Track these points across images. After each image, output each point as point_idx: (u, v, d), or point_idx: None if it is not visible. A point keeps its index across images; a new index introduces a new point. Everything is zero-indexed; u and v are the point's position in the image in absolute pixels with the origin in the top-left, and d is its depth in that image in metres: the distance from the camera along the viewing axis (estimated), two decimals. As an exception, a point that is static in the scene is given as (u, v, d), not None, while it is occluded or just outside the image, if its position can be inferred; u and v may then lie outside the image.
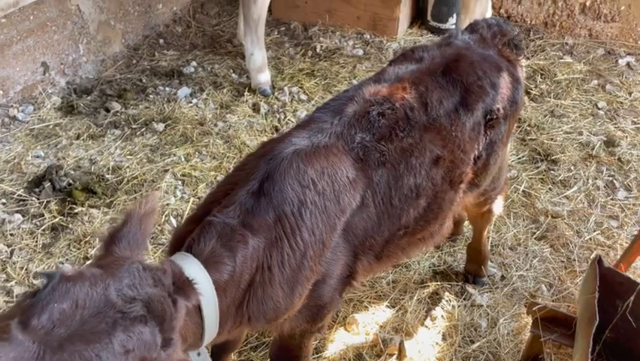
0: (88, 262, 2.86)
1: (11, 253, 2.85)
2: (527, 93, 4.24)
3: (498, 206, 2.63)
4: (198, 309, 1.45)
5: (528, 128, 3.94)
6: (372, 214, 1.81)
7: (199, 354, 1.63)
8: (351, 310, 2.77)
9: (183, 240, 1.58)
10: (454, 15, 4.66)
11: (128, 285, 1.27)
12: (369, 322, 2.74)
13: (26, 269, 2.78)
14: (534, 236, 3.22)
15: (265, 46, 4.67)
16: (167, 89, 4.16)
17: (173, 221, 3.16)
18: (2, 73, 3.71)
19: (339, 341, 2.64)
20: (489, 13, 4.17)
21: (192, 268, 1.45)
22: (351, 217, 1.76)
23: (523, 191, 3.48)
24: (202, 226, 1.57)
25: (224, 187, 1.73)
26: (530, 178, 3.57)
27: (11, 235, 2.94)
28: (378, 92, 1.93)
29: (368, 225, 1.81)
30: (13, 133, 3.62)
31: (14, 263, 2.80)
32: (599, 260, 2.19)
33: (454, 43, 2.19)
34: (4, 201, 3.13)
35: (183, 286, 1.38)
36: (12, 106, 3.77)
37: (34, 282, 2.74)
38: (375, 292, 2.89)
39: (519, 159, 3.73)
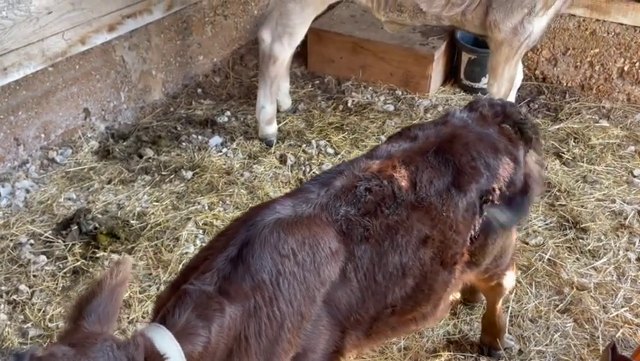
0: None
1: (32, 294, 2.96)
2: (559, 157, 4.15)
3: (509, 280, 2.55)
4: None
5: (558, 194, 3.83)
6: (355, 289, 1.79)
7: None
8: (357, 375, 2.71)
9: (164, 305, 1.60)
10: (487, 75, 4.65)
11: None
12: (375, 389, 2.67)
13: (44, 311, 2.87)
14: (557, 308, 3.09)
15: (298, 98, 4.80)
16: (199, 137, 4.30)
17: (190, 271, 3.21)
18: (46, 117, 3.93)
19: (342, 408, 2.57)
20: (520, 78, 4.14)
21: (164, 341, 1.44)
22: (332, 290, 1.74)
23: (549, 259, 3.36)
24: (178, 294, 1.58)
25: (205, 253, 1.75)
26: (557, 246, 3.45)
27: (34, 275, 3.06)
28: (369, 168, 1.94)
29: (352, 300, 1.78)
30: (49, 175, 3.80)
31: (33, 305, 2.90)
32: (612, 347, 2.07)
33: (451, 122, 2.18)
34: (32, 242, 3.27)
35: None
36: (52, 148, 3.98)
37: (50, 325, 2.82)
38: (385, 358, 2.81)
39: (546, 225, 3.62)
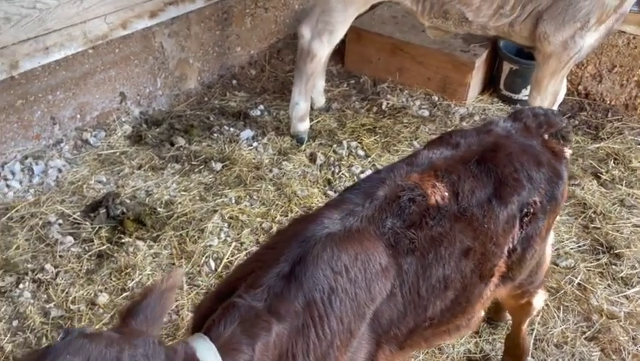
0: (125, 294, 2.95)
1: (56, 274, 2.99)
2: (597, 177, 4.02)
3: (539, 300, 2.47)
4: None
5: (593, 216, 3.71)
6: (399, 304, 1.76)
7: None
8: (373, 386, 2.66)
9: (206, 318, 1.57)
10: (529, 87, 4.53)
11: (142, 354, 1.27)
12: (390, 402, 2.62)
13: (67, 293, 2.90)
14: (584, 336, 2.99)
15: (332, 97, 4.75)
16: (231, 129, 4.29)
17: (212, 264, 3.20)
18: (82, 99, 3.97)
19: (356, 418, 2.53)
20: (563, 92, 4.01)
21: (207, 354, 1.42)
22: (379, 306, 1.71)
23: (579, 284, 3.25)
24: (226, 307, 1.55)
25: (252, 265, 1.71)
26: (588, 270, 3.34)
27: (60, 256, 3.09)
28: (410, 176, 1.90)
29: (394, 314, 1.75)
30: (82, 156, 3.84)
31: (57, 285, 2.93)
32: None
33: (494, 131, 2.13)
34: (60, 222, 3.30)
35: None
36: (86, 130, 4.02)
37: (72, 307, 2.84)
38: (403, 370, 2.76)
39: (579, 247, 3.51)
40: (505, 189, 1.95)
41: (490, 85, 4.87)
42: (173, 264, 3.17)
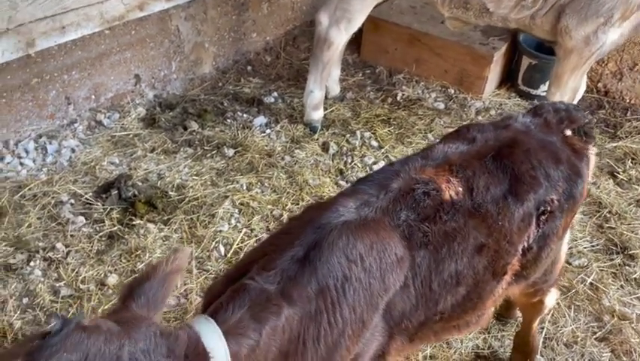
0: (134, 276, 2.95)
1: (67, 253, 3.00)
2: (613, 177, 3.95)
3: (551, 298, 2.45)
4: None
5: (608, 215, 3.65)
6: (411, 296, 1.74)
7: None
8: (379, 378, 2.65)
9: (216, 298, 1.55)
10: (547, 83, 4.46)
11: (142, 350, 1.23)
12: (396, 394, 2.61)
13: (77, 272, 2.91)
14: (594, 336, 2.96)
15: (347, 86, 4.71)
16: (244, 115, 4.27)
17: (222, 249, 3.20)
18: (97, 80, 3.96)
19: (361, 408, 2.53)
20: (582, 89, 3.94)
21: (212, 338, 1.39)
22: (393, 297, 1.69)
23: (591, 283, 3.21)
24: (236, 289, 1.53)
25: (265, 248, 1.70)
26: (601, 270, 3.30)
27: (71, 235, 3.10)
28: (424, 170, 1.87)
29: (406, 307, 1.74)
30: (95, 137, 3.84)
31: (67, 264, 2.94)
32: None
33: (513, 127, 2.08)
34: (72, 202, 3.31)
35: (197, 358, 1.32)
36: (100, 111, 4.02)
37: (82, 286, 2.85)
38: (410, 364, 2.75)
39: (592, 246, 3.46)
40: (521, 187, 1.91)
41: (508, 79, 4.79)
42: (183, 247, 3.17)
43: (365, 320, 1.62)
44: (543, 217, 1.98)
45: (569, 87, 3.59)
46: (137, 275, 1.40)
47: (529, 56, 4.51)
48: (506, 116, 2.22)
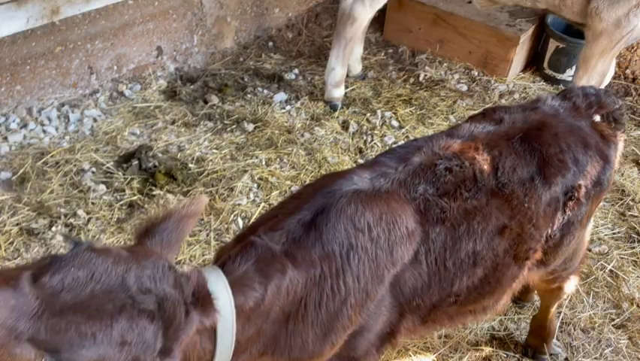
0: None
1: (88, 220, 3.03)
2: (637, 165, 3.88)
3: (570, 285, 2.41)
4: (213, 333, 1.38)
5: (631, 203, 3.60)
6: (423, 273, 1.71)
7: None
8: (394, 356, 2.66)
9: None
10: (574, 67, 4.37)
11: (149, 276, 1.23)
12: (410, 371, 2.62)
13: (97, 239, 2.94)
14: (612, 323, 2.93)
15: (369, 65, 4.66)
16: (265, 91, 4.25)
17: (240, 222, 3.21)
18: (120, 50, 3.97)
19: (374, 383, 2.54)
20: (611, 74, 3.85)
21: (217, 284, 1.39)
22: (401, 272, 1.66)
23: (611, 270, 3.18)
24: (244, 244, 1.53)
25: (275, 211, 1.70)
26: (622, 258, 3.26)
27: (92, 203, 3.13)
28: (449, 147, 1.83)
29: (418, 283, 1.70)
30: (117, 108, 3.86)
31: (88, 231, 2.97)
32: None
33: (541, 109, 2.03)
34: (94, 170, 3.34)
35: (202, 299, 1.31)
36: (122, 82, 4.03)
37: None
38: (424, 343, 2.75)
39: (613, 234, 3.41)
40: (549, 170, 1.86)
41: (534, 63, 4.71)
42: (202, 220, 3.19)
43: (369, 290, 1.59)
44: (570, 203, 1.93)
45: (597, 71, 3.51)
46: (152, 218, 1.39)
47: (557, 39, 4.42)
48: (535, 99, 2.17)
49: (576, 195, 1.91)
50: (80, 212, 3.06)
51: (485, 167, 1.79)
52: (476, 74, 4.59)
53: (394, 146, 1.97)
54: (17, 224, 2.96)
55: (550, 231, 1.91)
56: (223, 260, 1.50)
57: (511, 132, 1.91)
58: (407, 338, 1.89)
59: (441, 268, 1.71)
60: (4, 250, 2.81)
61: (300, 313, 1.53)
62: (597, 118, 2.13)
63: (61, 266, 1.16)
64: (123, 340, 1.16)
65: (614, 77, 4.40)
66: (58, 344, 1.13)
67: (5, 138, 3.44)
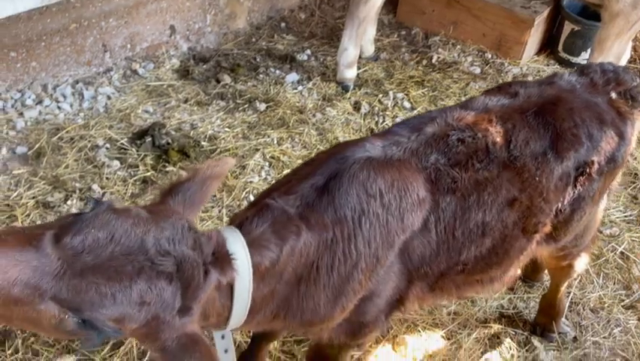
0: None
1: (102, 195, 3.07)
2: (651, 148, 3.85)
3: (581, 263, 2.41)
4: (230, 289, 1.41)
5: (643, 187, 3.58)
6: (432, 241, 1.73)
7: (223, 337, 1.61)
8: (403, 331, 2.69)
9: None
10: (589, 50, 4.33)
11: (168, 238, 1.25)
12: (419, 347, 2.64)
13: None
14: (622, 303, 2.93)
15: (381, 47, 4.64)
16: (277, 71, 4.26)
17: (252, 199, 3.24)
18: (134, 29, 3.98)
19: (384, 357, 2.57)
20: (626, 57, 3.82)
21: (236, 244, 1.42)
22: (411, 239, 1.68)
23: (622, 253, 3.17)
24: (260, 207, 1.56)
25: (289, 177, 1.72)
26: (633, 240, 3.25)
27: (107, 178, 3.17)
28: (463, 118, 1.83)
29: (426, 251, 1.72)
30: (130, 85, 3.88)
31: (103, 205, 3.01)
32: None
33: (557, 84, 2.02)
34: (108, 146, 3.37)
35: (221, 258, 1.35)
36: (135, 60, 4.05)
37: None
38: (433, 319, 2.77)
39: (625, 216, 3.40)
40: (562, 144, 1.86)
41: (548, 45, 4.67)
42: (214, 196, 3.22)
43: (380, 256, 1.62)
44: (581, 178, 1.93)
45: (613, 53, 3.48)
46: (177, 178, 1.42)
47: (572, 22, 4.37)
48: (552, 74, 2.16)
49: (588, 170, 1.90)
50: (95, 187, 3.10)
51: (498, 139, 1.80)
52: (490, 56, 4.56)
53: (410, 117, 1.98)
54: (33, 197, 3.01)
55: (560, 205, 1.91)
56: (240, 221, 1.53)
57: (525, 106, 1.91)
58: (415, 306, 1.91)
59: (450, 237, 1.73)
60: (22, 222, 2.86)
61: (312, 276, 1.55)
62: (614, 95, 2.11)
63: (82, 227, 1.18)
64: (142, 300, 1.19)
65: (629, 61, 4.36)
66: (80, 303, 1.17)
67: (21, 114, 3.49)
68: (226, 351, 1.62)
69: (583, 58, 4.39)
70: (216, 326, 1.50)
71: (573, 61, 4.48)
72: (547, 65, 4.57)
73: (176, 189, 1.38)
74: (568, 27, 4.41)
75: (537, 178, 1.84)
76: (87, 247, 1.17)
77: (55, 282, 1.15)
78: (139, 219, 1.24)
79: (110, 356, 2.42)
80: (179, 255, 1.24)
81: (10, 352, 2.41)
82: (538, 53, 4.66)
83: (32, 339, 2.46)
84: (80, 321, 1.18)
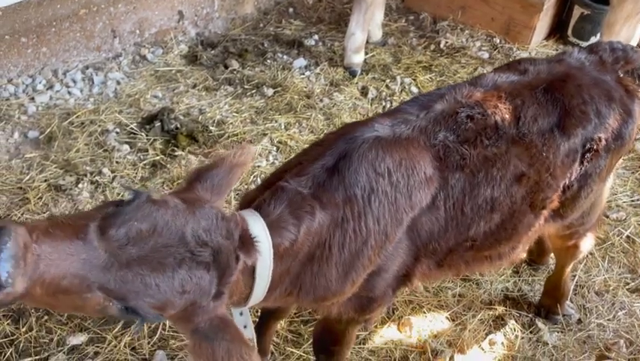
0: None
1: (113, 178, 3.12)
2: (660, 133, 3.84)
3: (587, 244, 2.43)
4: (252, 269, 1.46)
5: (651, 171, 3.58)
6: (440, 218, 1.76)
7: (241, 314, 1.67)
8: (408, 312, 2.73)
9: (252, 202, 1.61)
10: (598, 35, 4.31)
11: (204, 229, 1.31)
12: (424, 328, 2.68)
13: (122, 196, 3.03)
14: (627, 287, 2.95)
15: (389, 32, 4.64)
16: (284, 57, 4.27)
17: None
18: (142, 14, 4.01)
19: (389, 337, 2.62)
20: (635, 41, 3.78)
21: (256, 226, 1.47)
22: (419, 216, 1.71)
23: (628, 236, 3.18)
24: (274, 189, 1.59)
25: (299, 158, 1.75)
26: (639, 225, 3.25)
27: (117, 162, 3.22)
28: (472, 95, 1.85)
29: (435, 228, 1.75)
30: (139, 71, 3.92)
31: (113, 188, 3.07)
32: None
33: (566, 62, 2.03)
34: (117, 130, 3.42)
35: (247, 242, 1.40)
36: (144, 46, 4.08)
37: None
38: (438, 300, 2.81)
39: (632, 201, 3.40)
40: (570, 121, 1.88)
41: (557, 30, 4.63)
42: (222, 180, 3.26)
43: (389, 233, 1.65)
44: (588, 155, 1.95)
45: (622, 37, 3.46)
46: (204, 164, 1.47)
47: (582, 6, 4.34)
48: (561, 52, 2.17)
49: (595, 147, 1.92)
50: (105, 170, 3.15)
51: (507, 115, 1.82)
52: (498, 41, 4.55)
53: (418, 95, 1.99)
54: (45, 180, 3.07)
55: (567, 181, 1.93)
56: (258, 203, 1.57)
57: (534, 83, 1.92)
58: (423, 282, 1.94)
59: (458, 213, 1.76)
60: (34, 205, 2.92)
61: (325, 254, 1.59)
62: (622, 74, 2.13)
63: (125, 220, 1.23)
64: (183, 289, 1.26)
65: (638, 45, 4.32)
66: (126, 293, 1.23)
67: (32, 99, 3.54)
68: (245, 327, 1.69)
69: (592, 42, 4.36)
70: (237, 304, 1.56)
71: (582, 45, 4.44)
72: (556, 50, 4.54)
73: (203, 175, 1.43)
74: (577, 11, 4.38)
75: (544, 154, 1.86)
76: (131, 239, 1.22)
77: (103, 274, 1.21)
78: (177, 210, 1.29)
79: (122, 334, 2.49)
80: (215, 245, 1.31)
81: (24, 330, 2.48)
82: (548, 37, 4.64)
83: (46, 318, 2.52)
84: (123, 308, 1.24)
